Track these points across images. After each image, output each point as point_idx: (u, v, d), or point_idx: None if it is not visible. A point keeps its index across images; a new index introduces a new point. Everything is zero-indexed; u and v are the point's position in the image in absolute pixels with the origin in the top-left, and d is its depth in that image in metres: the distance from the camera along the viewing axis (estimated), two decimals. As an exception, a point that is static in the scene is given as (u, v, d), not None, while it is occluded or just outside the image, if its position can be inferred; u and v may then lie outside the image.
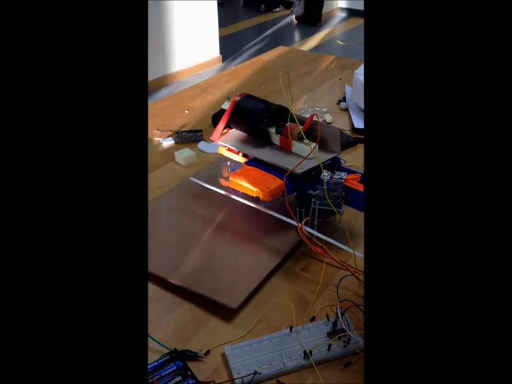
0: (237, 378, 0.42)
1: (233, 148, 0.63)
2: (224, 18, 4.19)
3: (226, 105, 0.94)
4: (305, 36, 3.78)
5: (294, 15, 4.06)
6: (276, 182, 0.56)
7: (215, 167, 0.69)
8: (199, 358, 0.45)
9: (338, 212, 0.53)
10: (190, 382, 0.42)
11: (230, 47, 3.36)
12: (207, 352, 0.45)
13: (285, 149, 0.61)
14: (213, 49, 3.06)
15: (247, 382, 0.42)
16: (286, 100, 0.59)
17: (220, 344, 0.46)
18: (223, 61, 3.17)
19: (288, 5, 4.25)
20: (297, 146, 0.59)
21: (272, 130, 0.61)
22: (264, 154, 0.60)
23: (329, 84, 1.08)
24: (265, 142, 0.62)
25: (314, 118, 0.58)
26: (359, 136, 0.84)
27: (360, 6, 4.15)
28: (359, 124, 0.86)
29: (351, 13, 4.24)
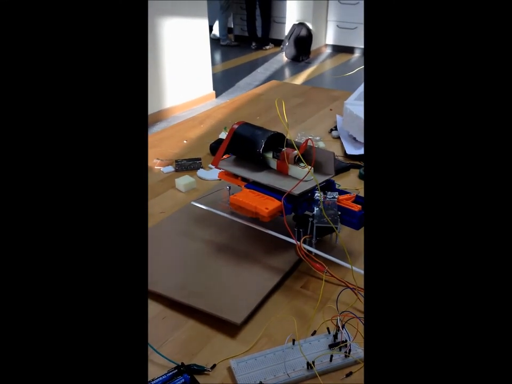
0: (243, 390, 0.43)
1: (232, 172, 0.66)
2: (217, 56, 4.36)
3: (223, 135, 0.99)
4: (296, 71, 3.92)
5: (284, 52, 4.22)
6: (274, 203, 0.59)
7: (216, 191, 0.72)
8: (206, 372, 0.46)
9: (336, 228, 0.56)
10: (198, 394, 0.43)
11: (223, 83, 3.47)
12: (213, 366, 0.47)
13: (282, 172, 0.64)
14: (206, 85, 3.16)
15: (253, 392, 0.43)
16: (284, 126, 0.63)
17: (226, 358, 0.48)
18: (216, 97, 3.26)
19: (278, 43, 4.42)
20: (293, 170, 0.63)
21: (269, 155, 0.65)
22: (262, 177, 0.63)
23: (321, 115, 1.14)
24: (263, 166, 0.66)
25: (309, 143, 0.62)
26: (352, 162, 0.88)
27: (346, 42, 4.34)
28: (350, 150, 0.90)
29: (338, 49, 4.42)
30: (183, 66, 2.91)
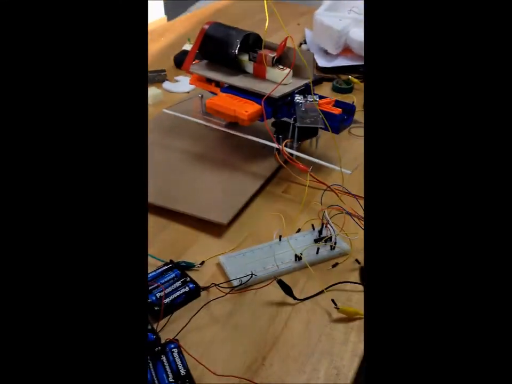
0: (234, 279, 0.44)
1: (206, 76, 0.62)
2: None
3: (187, 47, 0.93)
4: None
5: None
6: (254, 107, 0.57)
7: (187, 100, 0.69)
8: (195, 268, 0.46)
9: (322, 128, 0.56)
10: (191, 285, 0.43)
11: (173, 7, 3.23)
12: (202, 263, 0.47)
13: (259, 76, 0.61)
14: (156, 10, 2.94)
15: (244, 282, 0.44)
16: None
17: (214, 256, 0.47)
18: (168, 21, 3.05)
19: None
20: (271, 73, 0.60)
21: (245, 57, 0.61)
22: (239, 81, 0.60)
23: (288, 30, 1.09)
24: (238, 70, 0.63)
25: (289, 43, 0.59)
26: (324, 75, 0.86)
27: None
28: (322, 63, 0.88)
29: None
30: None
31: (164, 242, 0.50)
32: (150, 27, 2.31)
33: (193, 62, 0.64)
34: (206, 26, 0.62)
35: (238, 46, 0.60)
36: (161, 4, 2.96)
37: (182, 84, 0.81)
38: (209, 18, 1.15)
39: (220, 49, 0.61)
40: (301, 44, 0.99)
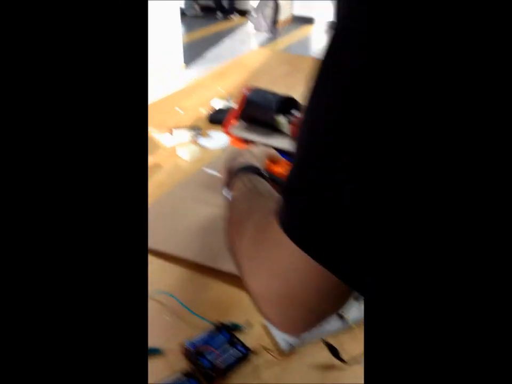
0: (282, 343, 0.45)
1: (246, 138, 0.66)
2: (182, 27, 4.22)
3: (216, 103, 0.97)
4: (264, 42, 3.87)
5: (251, 23, 4.15)
6: (292, 167, 0.60)
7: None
8: (241, 330, 0.47)
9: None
10: (241, 349, 0.44)
11: (191, 55, 3.38)
12: (248, 324, 0.48)
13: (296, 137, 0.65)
14: (177, 57, 3.08)
15: (294, 345, 0.45)
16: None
17: (259, 316, 0.49)
18: (186, 68, 3.18)
19: (244, 14, 4.34)
20: (307, 134, 0.63)
21: (283, 119, 0.65)
22: (277, 142, 0.64)
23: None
24: (275, 131, 0.66)
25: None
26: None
27: (312, 14, 4.31)
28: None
29: (304, 20, 4.38)
30: (153, 39, 2.80)
31: (208, 302, 0.51)
32: (172, 77, 2.38)
33: (233, 124, 0.68)
34: (246, 92, 0.66)
35: (276, 109, 0.64)
36: (181, 52, 3.10)
37: (216, 140, 0.85)
38: (232, 73, 1.21)
39: (260, 112, 0.65)
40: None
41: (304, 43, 3.89)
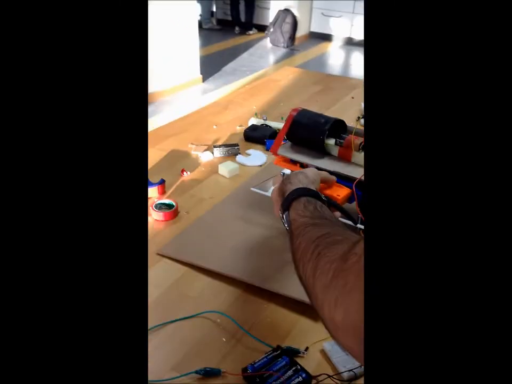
0: (345, 372, 0.44)
1: (294, 159, 0.66)
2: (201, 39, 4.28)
3: (254, 121, 0.98)
4: (281, 57, 3.91)
5: (268, 38, 4.19)
6: (343, 190, 0.59)
7: (272, 177, 0.72)
8: (300, 354, 0.47)
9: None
10: (303, 375, 0.44)
11: (208, 68, 3.41)
12: (307, 349, 0.48)
13: (344, 159, 0.65)
14: (193, 70, 3.11)
15: (356, 372, 0.44)
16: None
17: (317, 341, 0.48)
18: (203, 81, 3.21)
19: (262, 29, 4.38)
20: (357, 157, 0.64)
21: (331, 141, 0.65)
22: (325, 164, 0.64)
23: (344, 102, 1.15)
24: (323, 153, 0.66)
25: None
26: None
27: (330, 31, 4.35)
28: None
29: (322, 36, 4.42)
30: (170, 50, 2.84)
31: (265, 325, 0.51)
32: (185, 87, 2.40)
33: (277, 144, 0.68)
34: (294, 113, 0.67)
35: (327, 132, 0.64)
36: (198, 64, 3.13)
37: (254, 158, 0.86)
38: (264, 92, 1.22)
39: (308, 134, 0.65)
40: (358, 117, 1.03)
41: (322, 59, 3.92)
